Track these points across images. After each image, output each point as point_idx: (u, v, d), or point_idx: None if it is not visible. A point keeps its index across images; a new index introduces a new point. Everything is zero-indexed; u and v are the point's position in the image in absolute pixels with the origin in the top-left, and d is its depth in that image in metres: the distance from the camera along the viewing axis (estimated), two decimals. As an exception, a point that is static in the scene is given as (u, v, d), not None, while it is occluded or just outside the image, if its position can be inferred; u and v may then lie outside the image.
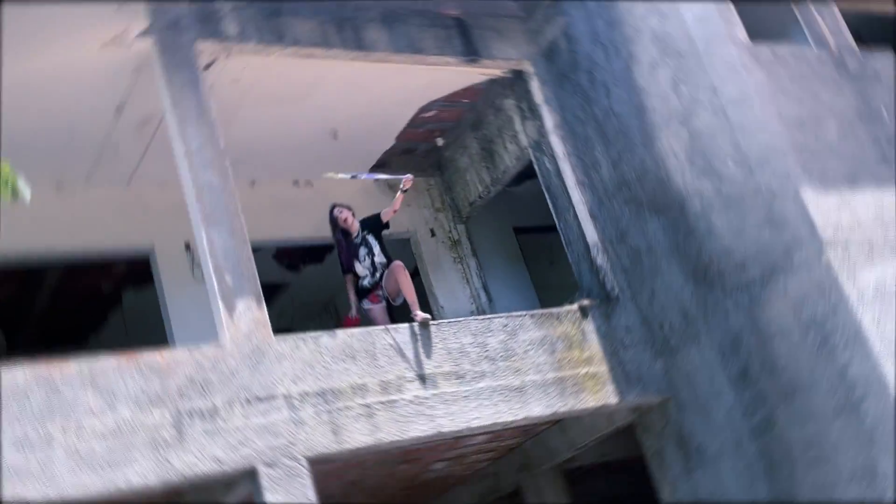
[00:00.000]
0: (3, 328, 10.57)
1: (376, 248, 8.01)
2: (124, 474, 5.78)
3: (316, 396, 6.62)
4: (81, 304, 10.67)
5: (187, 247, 8.80)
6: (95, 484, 5.68)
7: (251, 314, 6.69)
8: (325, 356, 6.81)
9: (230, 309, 6.64)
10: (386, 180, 8.68)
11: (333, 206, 8.12)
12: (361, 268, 8.00)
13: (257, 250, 9.99)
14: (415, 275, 10.79)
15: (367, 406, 6.75)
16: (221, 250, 6.78)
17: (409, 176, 7.90)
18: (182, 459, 6.00)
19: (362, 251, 8.01)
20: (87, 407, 5.88)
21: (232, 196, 6.99)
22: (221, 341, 6.57)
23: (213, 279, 6.70)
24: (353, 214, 8.14)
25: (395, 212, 8.11)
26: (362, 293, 8.00)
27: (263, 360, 6.57)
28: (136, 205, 8.82)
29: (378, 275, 7.95)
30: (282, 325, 12.15)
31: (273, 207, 9.50)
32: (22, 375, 5.77)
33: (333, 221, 8.08)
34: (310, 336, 6.85)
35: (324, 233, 9.71)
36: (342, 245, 8.06)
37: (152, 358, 6.23)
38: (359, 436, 6.61)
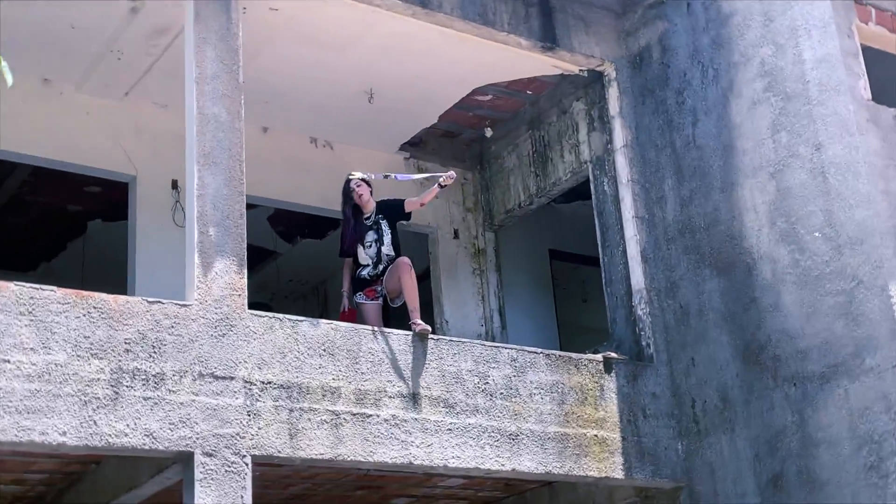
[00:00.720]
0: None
1: (387, 238, 7.96)
2: (42, 426, 5.77)
3: (280, 389, 6.59)
4: (39, 222, 10.71)
5: (174, 185, 8.81)
6: (6, 429, 5.66)
7: (228, 277, 6.67)
8: (301, 346, 6.78)
9: (206, 266, 6.62)
10: (425, 180, 8.61)
11: (351, 178, 8.08)
12: (364, 254, 7.95)
13: (252, 207, 10.02)
14: (423, 277, 10.78)
15: (335, 414, 6.71)
16: (212, 197, 6.77)
17: (452, 173, 7.85)
18: (111, 425, 5.98)
19: (370, 236, 7.97)
20: (17, 339, 5.87)
21: (238, 138, 6.98)
22: (188, 300, 6.54)
23: (195, 228, 6.68)
24: (372, 193, 8.10)
25: (422, 205, 8.07)
26: (358, 284, 7.95)
27: (230, 334, 6.55)
28: (127, 124, 8.84)
29: (381, 268, 7.90)
30: (260, 299, 12.30)
31: (282, 163, 9.52)
32: (-48, 286, 5.78)
33: (347, 193, 8.04)
34: (289, 319, 6.83)
35: (332, 205, 9.70)
36: (349, 222, 8.01)
37: (105, 301, 6.21)
38: (318, 445, 6.57)
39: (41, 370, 5.88)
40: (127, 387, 6.10)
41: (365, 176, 8.07)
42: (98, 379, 6.03)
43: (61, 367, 5.95)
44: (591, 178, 9.10)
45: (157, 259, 8.62)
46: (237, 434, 6.33)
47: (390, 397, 6.94)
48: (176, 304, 6.46)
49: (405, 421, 6.92)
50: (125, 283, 8.72)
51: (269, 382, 6.57)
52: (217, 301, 6.58)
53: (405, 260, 7.79)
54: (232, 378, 6.45)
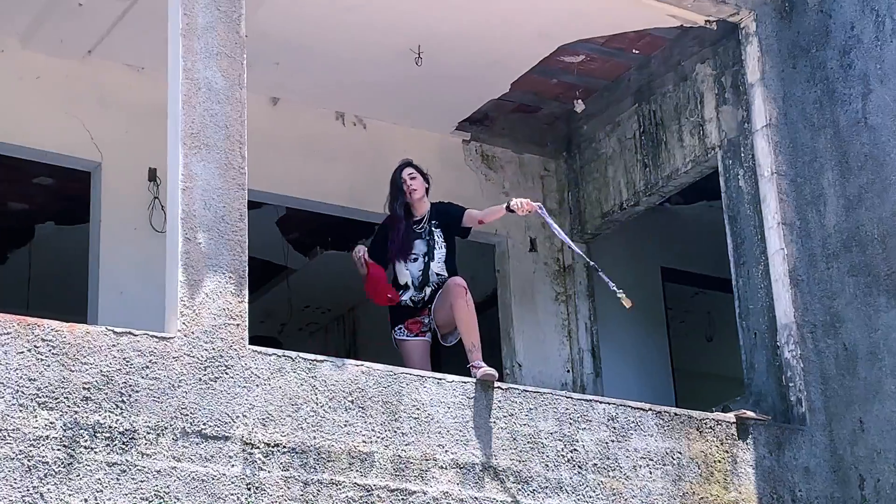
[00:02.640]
0: None
1: (439, 252, 7.95)
2: (-30, 500, 5.82)
3: (291, 454, 6.58)
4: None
5: (152, 176, 8.89)
6: (-77, 503, 5.74)
7: (223, 301, 6.70)
8: (321, 395, 6.78)
9: (193, 285, 6.66)
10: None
11: (405, 165, 8.05)
12: (405, 271, 7.95)
13: (256, 206, 10.09)
14: (488, 304, 10.76)
15: (367, 490, 6.69)
16: (202, 191, 6.80)
17: (529, 203, 7.78)
18: (63, 500, 5.98)
19: (419, 247, 7.97)
20: (-60, 381, 5.94)
21: (239, 112, 7.00)
22: (168, 331, 6.58)
23: (179, 233, 6.71)
24: (428, 191, 8.08)
25: (480, 223, 8.04)
26: (398, 315, 7.95)
27: (224, 378, 6.56)
28: (90, 93, 8.94)
29: (428, 292, 7.89)
30: (265, 332, 12.40)
31: (297, 146, 9.58)
32: None
33: (397, 185, 8.01)
34: (303, 358, 6.83)
35: (365, 204, 9.76)
36: (398, 225, 7.99)
37: (57, 332, 6.25)
38: (345, 533, 6.56)
39: (-29, 424, 5.94)
40: (85, 448, 6.12)
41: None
42: (47, 437, 6.05)
43: (-2, 419, 6.00)
44: (720, 169, 9.05)
45: (128, 275, 8.70)
46: (233, 515, 6.34)
47: (441, 468, 6.90)
48: (152, 336, 6.49)
49: (462, 501, 6.87)
50: (85, 308, 8.81)
51: (277, 445, 6.57)
52: (207, 333, 6.61)
53: (458, 281, 7.76)
54: (227, 438, 6.46)
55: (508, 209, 7.82)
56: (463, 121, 10.04)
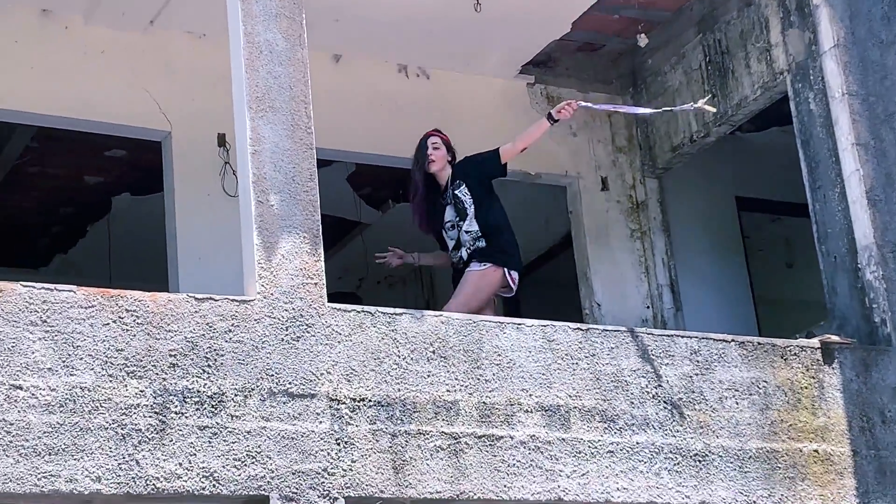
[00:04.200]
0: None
1: (470, 210, 7.90)
2: (69, 471, 5.95)
3: (377, 407, 6.66)
4: (48, 201, 11.06)
5: (221, 141, 8.97)
6: (23, 477, 5.86)
7: (299, 261, 6.77)
8: (402, 348, 6.85)
9: (269, 247, 6.73)
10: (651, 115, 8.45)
11: (431, 134, 8.07)
12: (448, 239, 8.06)
13: (326, 164, 10.14)
14: (563, 246, 10.77)
15: (454, 437, 6.76)
16: (271, 154, 6.86)
17: (572, 104, 7.74)
18: (158, 465, 6.13)
19: (448, 214, 8.02)
20: (30, 358, 6.05)
21: (302, 72, 7.05)
22: (248, 294, 6.67)
23: (252, 197, 6.79)
24: (453, 155, 8.06)
25: (523, 149, 8.00)
26: (455, 275, 8.05)
27: (306, 337, 6.65)
28: (155, 63, 9.03)
29: (463, 253, 7.91)
30: (343, 288, 12.50)
31: (362, 102, 9.60)
32: (-57, 292, 6.01)
33: (420, 153, 8.05)
34: (383, 312, 6.89)
35: (433, 155, 9.76)
36: (417, 192, 8.03)
37: (140, 302, 6.37)
38: (433, 480, 6.63)
39: (63, 397, 6.07)
40: (176, 413, 6.25)
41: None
42: (138, 405, 6.19)
43: (89, 391, 6.13)
44: (790, 93, 8.97)
45: (205, 241, 8.81)
46: (324, 470, 6.43)
47: (527, 412, 6.95)
48: (233, 300, 6.58)
49: (549, 443, 6.92)
50: (164, 276, 8.94)
51: (363, 399, 6.65)
52: (286, 294, 6.69)
53: (472, 274, 7.77)
54: (313, 395, 6.55)
55: (551, 119, 7.80)
56: (526, 64, 10.00)
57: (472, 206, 7.94)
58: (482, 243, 7.89)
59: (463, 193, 7.98)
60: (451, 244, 8.06)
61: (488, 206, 7.96)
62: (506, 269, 7.87)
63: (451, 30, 9.42)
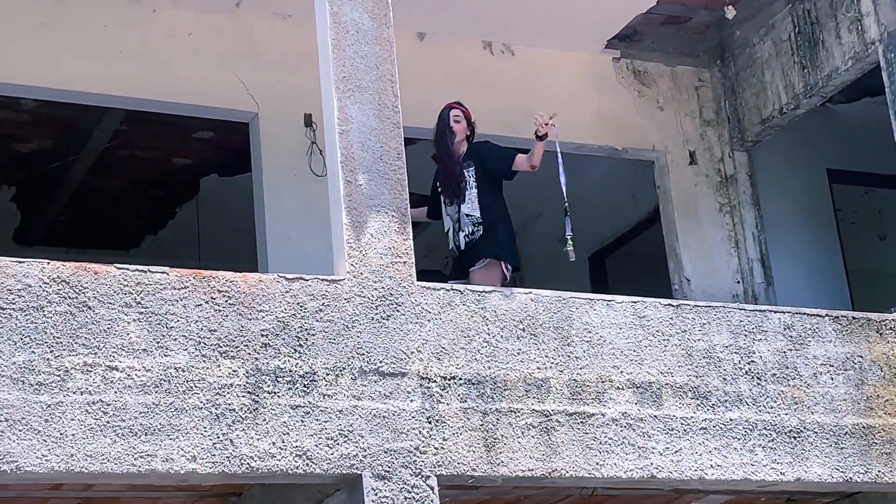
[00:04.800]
0: (24, 199, 11.24)
1: (470, 192, 7.79)
2: (165, 450, 6.03)
3: (467, 385, 6.68)
4: (138, 184, 11.20)
5: (308, 122, 9.01)
6: (121, 457, 5.95)
7: (388, 240, 6.80)
8: (492, 325, 6.85)
9: (358, 227, 6.76)
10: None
11: (452, 106, 7.99)
12: (447, 216, 7.94)
13: (411, 143, 10.17)
14: (649, 222, 10.70)
15: (545, 415, 6.76)
16: (359, 133, 6.89)
17: (543, 120, 7.62)
18: (252, 444, 6.20)
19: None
20: (125, 339, 6.14)
21: (388, 51, 7.06)
22: (338, 274, 6.71)
23: (340, 176, 6.82)
24: (472, 128, 7.98)
25: (533, 167, 7.86)
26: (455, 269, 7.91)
27: (396, 316, 6.67)
28: (241, 45, 9.09)
29: (463, 238, 7.78)
30: (430, 266, 12.49)
31: (446, 79, 9.58)
32: (37, 275, 6.08)
33: (442, 125, 7.96)
34: (472, 290, 6.91)
35: (518, 131, 9.75)
36: (444, 162, 7.96)
37: (232, 282, 6.43)
38: (524, 458, 6.64)
39: (158, 378, 6.15)
40: (268, 393, 6.31)
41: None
42: (231, 385, 6.25)
43: (183, 371, 6.20)
44: (882, 63, 8.85)
45: (293, 221, 8.87)
46: (416, 448, 6.46)
47: (618, 389, 6.94)
48: (323, 279, 6.63)
49: (641, 420, 6.91)
50: (254, 256, 9.02)
51: (453, 377, 6.67)
52: (376, 272, 6.72)
53: (476, 274, 7.65)
54: (403, 374, 6.58)
55: (538, 137, 7.69)
56: (611, 38, 9.94)
57: (474, 190, 7.80)
58: (479, 232, 7.76)
59: (470, 174, 7.87)
60: (447, 224, 7.91)
61: (492, 197, 7.85)
62: (503, 263, 7.74)
63: (536, 5, 9.38)
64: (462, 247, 7.81)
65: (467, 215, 7.83)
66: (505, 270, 7.73)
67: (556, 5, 9.37)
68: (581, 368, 6.93)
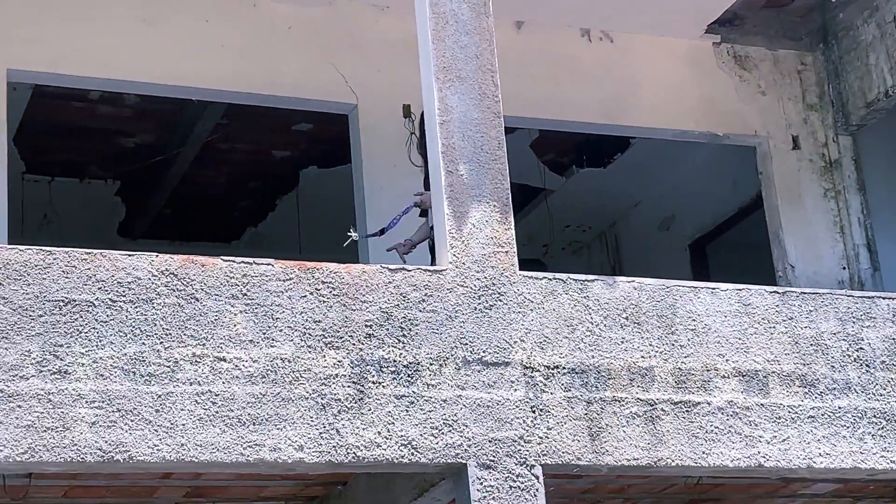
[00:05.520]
0: (128, 192, 11.44)
1: None
2: (272, 440, 6.10)
3: (571, 375, 6.67)
4: (239, 176, 11.35)
5: (407, 112, 9.06)
6: (230, 447, 6.03)
7: (490, 230, 6.80)
8: (595, 314, 6.84)
9: (459, 217, 6.78)
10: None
11: None
12: None
13: (509, 132, 10.20)
14: (751, 208, 10.60)
15: (650, 404, 6.74)
16: (459, 124, 6.90)
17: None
18: (358, 434, 6.25)
19: None
20: (232, 330, 6.22)
21: (488, 41, 7.06)
22: (440, 264, 6.74)
23: (441, 167, 6.83)
24: None
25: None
26: None
27: (498, 305, 6.68)
28: (340, 37, 9.17)
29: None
30: (529, 255, 12.52)
31: (545, 67, 9.60)
32: (147, 268, 6.19)
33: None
34: (574, 279, 6.89)
35: (617, 118, 9.74)
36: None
37: (335, 273, 6.47)
38: (629, 447, 6.63)
39: (265, 368, 6.22)
40: (373, 383, 6.36)
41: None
42: (336, 375, 6.31)
43: (289, 362, 6.27)
44: None
45: (392, 212, 8.87)
46: (521, 438, 6.47)
47: (724, 377, 6.89)
48: (426, 270, 6.65)
49: (748, 409, 6.85)
50: (354, 247, 9.08)
51: (557, 366, 6.67)
52: (478, 263, 6.73)
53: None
54: (507, 363, 6.59)
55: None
56: (712, 23, 9.86)
57: None
58: None
59: None
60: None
61: None
62: None
63: (634, -9, 9.35)
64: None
65: None
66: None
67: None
68: (686, 357, 6.89)
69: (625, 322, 6.88)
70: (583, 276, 6.94)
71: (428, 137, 7.06)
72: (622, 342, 6.83)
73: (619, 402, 6.70)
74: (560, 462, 6.51)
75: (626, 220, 12.41)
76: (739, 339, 7.01)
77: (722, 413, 6.82)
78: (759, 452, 6.81)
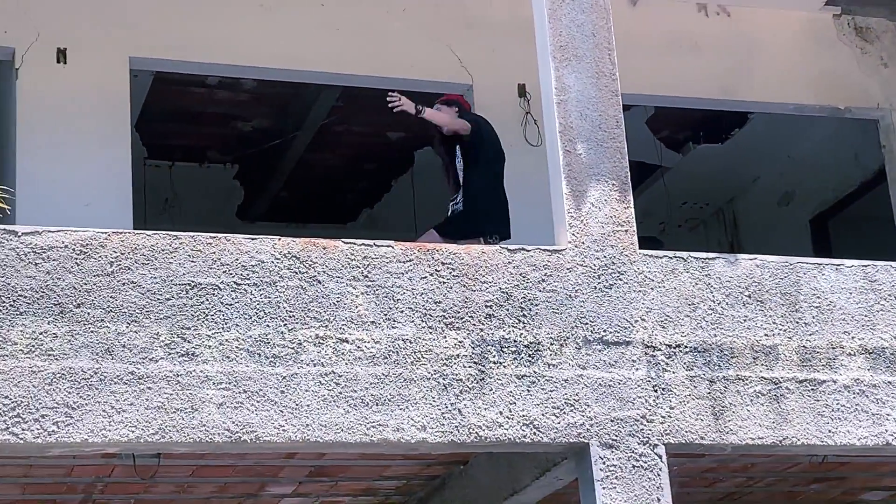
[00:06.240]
0: (246, 176, 11.61)
1: (459, 163, 8.00)
2: (395, 420, 6.17)
3: (693, 353, 6.65)
4: (354, 158, 11.44)
5: (521, 92, 9.06)
6: (353, 427, 6.10)
7: (609, 209, 6.80)
8: (717, 293, 6.80)
9: (578, 196, 6.78)
10: None
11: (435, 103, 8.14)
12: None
13: (625, 109, 10.17)
14: (873, 182, 10.43)
15: (774, 382, 6.69)
16: (577, 103, 6.89)
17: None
18: (479, 414, 6.29)
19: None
20: (354, 312, 6.29)
21: (604, 18, 7.05)
22: (559, 244, 6.74)
23: (559, 146, 6.83)
24: (455, 104, 8.11)
25: (455, 132, 7.93)
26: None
27: (619, 285, 6.68)
28: (455, 19, 9.22)
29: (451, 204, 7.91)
30: (646, 232, 12.39)
31: (661, 43, 9.54)
32: (270, 251, 6.28)
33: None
34: (695, 258, 6.86)
35: (734, 93, 9.64)
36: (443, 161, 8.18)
37: (455, 255, 6.52)
38: (753, 426, 6.59)
39: (387, 349, 6.29)
40: (494, 363, 6.39)
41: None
42: (457, 356, 6.36)
43: (410, 343, 6.33)
44: None
45: (509, 191, 8.88)
46: (643, 417, 6.47)
47: (849, 355, 6.81)
48: (545, 250, 6.66)
49: (875, 386, 6.77)
50: (471, 227, 9.11)
51: (678, 345, 6.65)
52: (597, 242, 6.73)
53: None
54: (628, 343, 6.59)
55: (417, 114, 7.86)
56: (847, -4, 9.72)
57: (461, 162, 7.94)
58: (460, 206, 7.87)
59: (458, 158, 8.00)
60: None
61: (471, 171, 7.91)
62: (481, 240, 7.67)
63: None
64: (449, 213, 7.94)
65: (459, 184, 7.96)
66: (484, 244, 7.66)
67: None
68: (810, 335, 6.82)
69: (747, 300, 6.83)
70: (704, 255, 6.91)
71: (545, 117, 7.07)
72: (745, 320, 6.78)
73: (743, 380, 6.66)
74: (683, 441, 6.50)
75: (744, 196, 12.28)
76: (865, 315, 6.92)
77: (848, 391, 6.75)
78: (886, 430, 6.73)
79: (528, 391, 6.40)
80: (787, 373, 6.73)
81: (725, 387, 6.63)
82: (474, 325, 6.44)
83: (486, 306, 6.48)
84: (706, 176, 11.88)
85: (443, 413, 6.25)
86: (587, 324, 6.58)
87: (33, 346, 5.79)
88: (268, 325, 6.14)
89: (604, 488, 6.31)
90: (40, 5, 8.43)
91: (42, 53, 8.36)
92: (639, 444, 6.43)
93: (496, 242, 7.59)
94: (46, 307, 5.86)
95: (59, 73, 8.38)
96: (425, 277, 6.46)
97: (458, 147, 8.04)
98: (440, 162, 8.29)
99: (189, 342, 5.99)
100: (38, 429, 5.70)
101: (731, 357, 6.70)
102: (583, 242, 6.72)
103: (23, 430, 5.68)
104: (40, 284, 5.88)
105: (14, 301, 5.83)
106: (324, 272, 6.32)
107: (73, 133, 8.31)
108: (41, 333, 5.81)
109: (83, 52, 8.44)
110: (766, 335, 6.78)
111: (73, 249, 5.97)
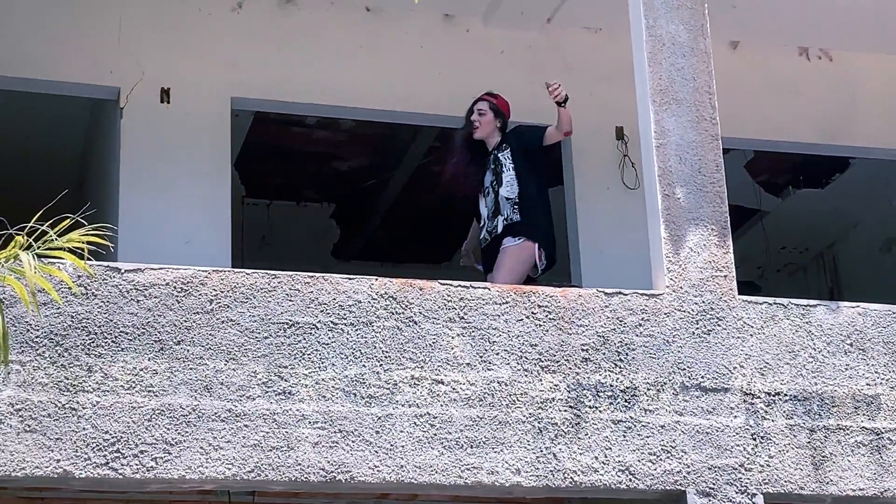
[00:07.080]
0: (343, 215, 11.71)
1: (507, 175, 7.71)
2: (490, 463, 6.17)
3: (793, 402, 6.58)
4: (450, 199, 11.47)
5: (619, 135, 9.06)
6: (447, 469, 6.12)
7: (708, 254, 6.76)
8: (817, 340, 6.72)
9: (676, 240, 6.75)
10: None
11: (481, 98, 7.98)
12: (483, 207, 7.87)
13: (724, 152, 10.13)
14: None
15: (876, 433, 6.59)
16: (676, 146, 6.88)
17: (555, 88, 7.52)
18: (575, 459, 6.27)
19: (488, 178, 7.81)
20: (449, 353, 6.32)
21: (705, 63, 7.04)
22: (657, 288, 6.71)
23: (657, 190, 6.82)
24: (504, 123, 7.91)
25: (566, 134, 7.77)
26: (483, 253, 7.89)
27: (717, 331, 6.63)
28: (552, 59, 9.23)
29: (500, 223, 7.66)
30: (743, 277, 12.32)
31: (761, 87, 9.49)
32: (367, 291, 6.33)
33: (467, 119, 7.97)
34: (796, 304, 6.79)
35: (837, 139, 9.55)
36: (461, 162, 7.94)
37: (551, 297, 6.52)
38: (854, 477, 6.50)
39: (482, 391, 6.29)
40: (590, 407, 6.37)
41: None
42: (553, 399, 6.35)
43: (506, 385, 6.33)
44: None
45: (605, 234, 8.93)
46: (741, 465, 6.40)
47: (955, 406, 6.70)
48: (642, 294, 6.65)
49: (982, 439, 6.64)
50: (566, 269, 9.11)
51: (778, 393, 6.58)
52: (696, 287, 6.69)
53: (510, 248, 7.56)
54: (726, 390, 6.53)
55: (558, 104, 7.63)
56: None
57: (512, 172, 7.71)
58: (517, 216, 7.65)
59: (505, 157, 7.78)
60: (485, 213, 7.82)
61: (530, 180, 7.72)
62: (537, 246, 7.58)
63: (856, 8, 9.12)
64: (500, 230, 7.70)
65: (506, 199, 7.72)
66: (538, 256, 7.59)
67: (877, 8, 9.10)
68: (911, 385, 6.72)
69: (849, 348, 6.74)
70: (804, 301, 6.85)
71: (643, 160, 7.06)
72: (846, 369, 6.70)
73: (844, 430, 6.57)
74: (782, 491, 6.43)
75: (844, 241, 12.14)
76: (975, 364, 6.81)
77: (953, 443, 6.63)
78: None
79: (625, 437, 6.37)
80: (890, 423, 6.63)
81: (826, 436, 6.55)
82: (570, 368, 6.43)
83: (583, 350, 6.47)
84: (806, 221, 11.78)
85: (537, 457, 6.24)
86: (685, 370, 6.54)
87: (134, 382, 5.89)
88: (364, 365, 6.18)
89: (707, 538, 6.26)
90: (145, 46, 8.61)
91: (146, 93, 8.53)
92: (737, 492, 6.36)
93: (543, 262, 7.59)
94: (147, 344, 5.96)
95: (163, 113, 8.54)
96: (521, 320, 6.47)
97: (503, 145, 7.87)
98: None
99: (286, 381, 6.05)
100: (136, 464, 5.79)
101: (832, 406, 6.61)
102: (681, 287, 6.69)
103: (122, 465, 5.77)
104: (141, 321, 5.98)
105: (116, 337, 5.93)
106: (420, 313, 6.35)
107: (175, 171, 8.46)
108: (142, 370, 5.91)
109: (186, 92, 8.60)
110: (867, 384, 6.68)
111: (175, 287, 6.07)
